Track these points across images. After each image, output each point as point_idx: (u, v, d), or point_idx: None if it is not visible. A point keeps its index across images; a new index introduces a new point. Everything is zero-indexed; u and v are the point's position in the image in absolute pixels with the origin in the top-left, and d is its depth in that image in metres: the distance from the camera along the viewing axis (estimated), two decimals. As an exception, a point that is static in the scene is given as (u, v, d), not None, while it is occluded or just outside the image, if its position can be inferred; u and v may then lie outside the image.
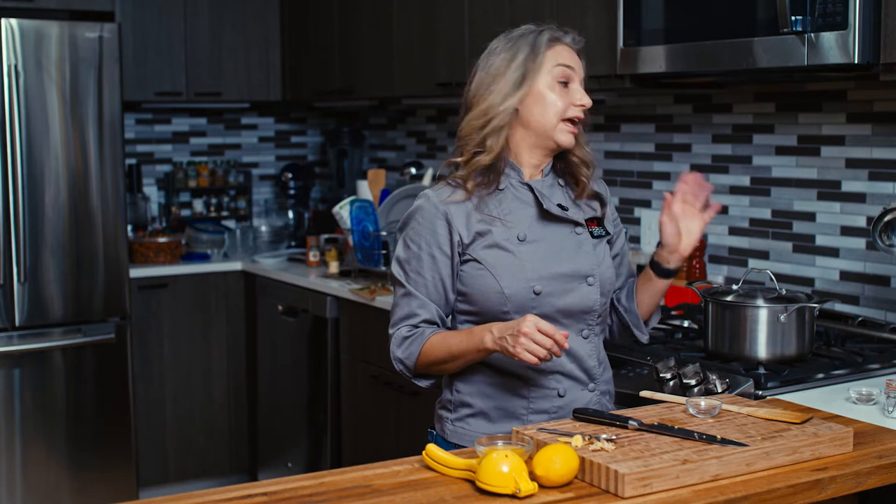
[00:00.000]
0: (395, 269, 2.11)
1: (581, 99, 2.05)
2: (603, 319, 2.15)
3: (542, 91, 2.04)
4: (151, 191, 5.05)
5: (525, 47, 2.05)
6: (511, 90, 2.04)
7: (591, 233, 2.12)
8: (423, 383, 2.12)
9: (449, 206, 2.05)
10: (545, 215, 2.08)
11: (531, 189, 2.09)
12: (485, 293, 2.04)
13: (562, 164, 2.13)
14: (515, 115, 2.05)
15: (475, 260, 2.05)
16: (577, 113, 2.05)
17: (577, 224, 2.11)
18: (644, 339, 2.22)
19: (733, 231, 3.35)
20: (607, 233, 2.16)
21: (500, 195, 2.07)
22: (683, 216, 2.11)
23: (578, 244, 2.10)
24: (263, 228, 4.94)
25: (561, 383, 2.08)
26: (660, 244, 2.14)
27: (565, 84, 2.05)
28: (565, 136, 2.06)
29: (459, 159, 2.08)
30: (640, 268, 3.21)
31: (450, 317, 2.13)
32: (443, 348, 2.03)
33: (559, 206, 2.10)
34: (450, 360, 2.03)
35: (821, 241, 3.09)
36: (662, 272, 2.14)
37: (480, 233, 2.04)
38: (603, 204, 2.17)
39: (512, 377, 2.07)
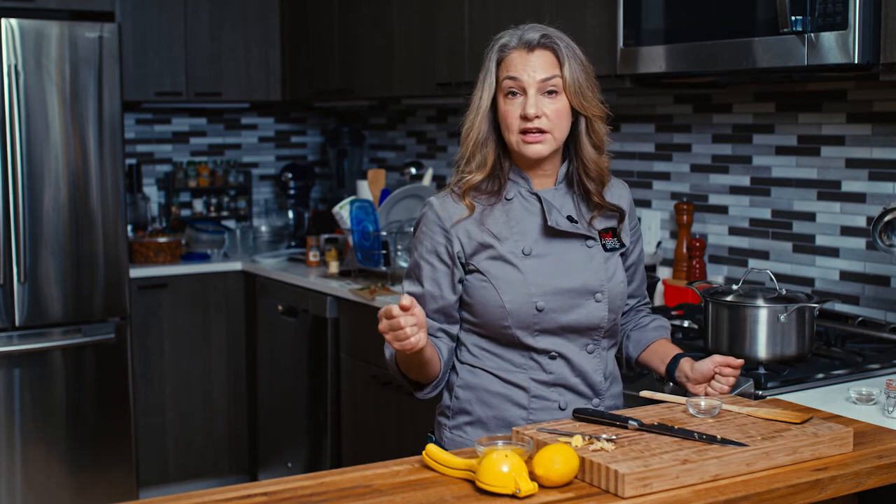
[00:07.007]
0: (404, 279, 2.10)
1: (526, 110, 1.95)
2: (612, 335, 2.09)
3: (500, 108, 2.00)
4: (151, 191, 5.05)
5: (486, 63, 2.02)
6: (482, 108, 2.01)
7: (603, 245, 2.05)
8: (420, 394, 2.09)
9: (451, 214, 2.01)
10: (552, 228, 2.01)
11: (539, 199, 2.03)
12: (486, 306, 2.00)
13: (574, 172, 2.05)
14: (497, 130, 2.02)
15: (479, 271, 2.01)
16: (526, 125, 1.96)
17: (587, 237, 2.04)
18: (630, 373, 2.23)
19: (733, 231, 3.35)
20: (622, 245, 2.09)
21: (507, 205, 2.03)
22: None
23: (589, 258, 2.03)
24: (263, 228, 4.93)
25: (563, 396, 2.03)
26: (680, 361, 2.09)
27: (516, 95, 1.98)
28: (528, 149, 1.98)
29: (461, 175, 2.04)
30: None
31: (457, 325, 2.08)
32: None
33: (569, 217, 2.03)
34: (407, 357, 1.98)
35: (821, 241, 3.09)
36: (673, 380, 2.12)
37: (484, 244, 2.00)
38: (622, 216, 2.09)
39: (513, 386, 2.03)
